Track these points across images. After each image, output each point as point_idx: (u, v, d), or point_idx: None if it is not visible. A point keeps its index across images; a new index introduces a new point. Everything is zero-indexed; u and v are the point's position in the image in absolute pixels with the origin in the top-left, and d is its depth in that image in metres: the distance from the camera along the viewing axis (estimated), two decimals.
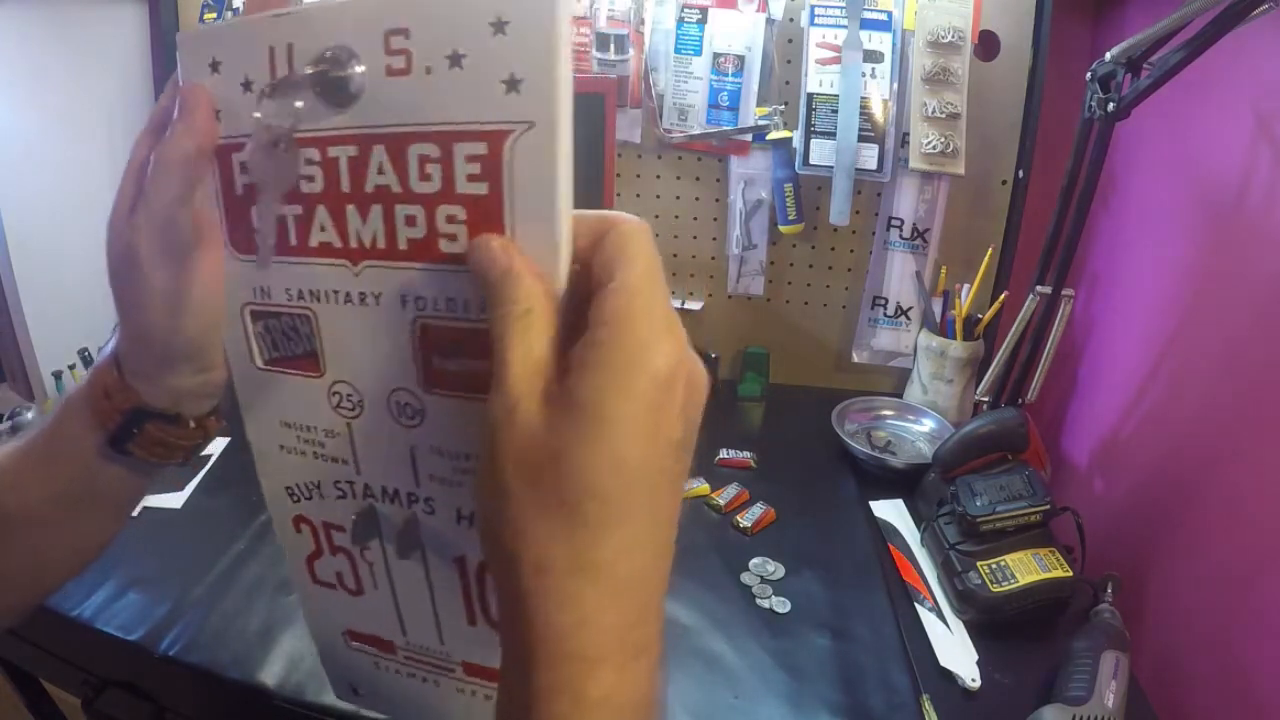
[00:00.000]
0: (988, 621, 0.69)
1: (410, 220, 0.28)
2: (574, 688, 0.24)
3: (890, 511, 0.86)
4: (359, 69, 0.27)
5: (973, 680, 0.63)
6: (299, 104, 0.29)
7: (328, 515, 0.38)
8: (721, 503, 0.86)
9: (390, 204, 0.29)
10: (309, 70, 0.28)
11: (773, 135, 1.02)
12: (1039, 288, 0.84)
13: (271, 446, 0.37)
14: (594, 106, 0.87)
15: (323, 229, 0.31)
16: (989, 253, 1.01)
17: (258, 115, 0.29)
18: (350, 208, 0.30)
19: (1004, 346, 0.89)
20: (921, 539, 0.80)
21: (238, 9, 1.09)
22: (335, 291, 0.32)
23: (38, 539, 0.39)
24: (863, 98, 0.98)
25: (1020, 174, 1.01)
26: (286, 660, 0.63)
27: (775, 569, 0.76)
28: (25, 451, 0.39)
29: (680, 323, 0.25)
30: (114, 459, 0.38)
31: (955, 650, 0.67)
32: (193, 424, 0.39)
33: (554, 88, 0.25)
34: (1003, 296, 1.02)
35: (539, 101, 0.25)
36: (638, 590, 0.25)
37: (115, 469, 0.38)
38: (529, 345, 0.25)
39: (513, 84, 0.25)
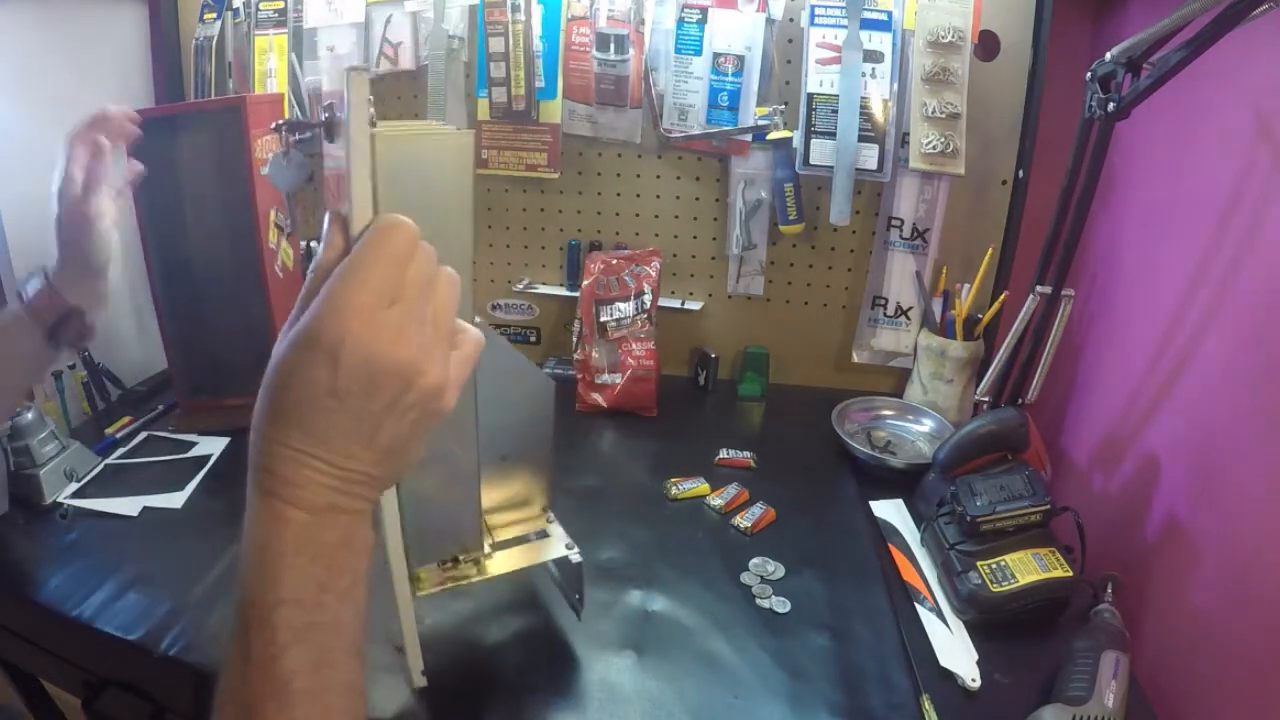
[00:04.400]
0: (988, 621, 0.69)
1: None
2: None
3: (890, 511, 0.86)
4: (338, 116, 0.41)
5: (973, 680, 0.63)
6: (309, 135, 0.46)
7: None
8: (721, 503, 0.86)
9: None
10: (323, 116, 0.43)
11: (773, 135, 1.02)
12: (1039, 288, 0.83)
13: None
14: (230, 121, 0.92)
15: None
16: (989, 253, 1.01)
17: (291, 136, 0.43)
18: (341, 208, 0.41)
19: (1004, 346, 0.89)
20: (921, 539, 0.80)
21: (237, 9, 1.09)
22: None
23: None
24: (863, 98, 0.98)
25: (1020, 174, 1.01)
26: None
27: (775, 569, 0.76)
28: None
29: (381, 307, 0.34)
30: (47, 346, 0.69)
31: (955, 650, 0.67)
32: (88, 321, 0.72)
33: (350, 141, 0.38)
34: (1003, 296, 1.02)
35: (344, 148, 0.38)
36: (304, 463, 0.35)
37: (45, 354, 0.71)
38: (311, 291, 0.36)
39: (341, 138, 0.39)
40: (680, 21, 1.02)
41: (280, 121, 0.42)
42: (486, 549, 0.62)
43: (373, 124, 0.41)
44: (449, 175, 0.45)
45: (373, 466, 0.36)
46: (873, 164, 1.00)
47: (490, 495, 0.63)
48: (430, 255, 0.37)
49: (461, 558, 0.61)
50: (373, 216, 0.37)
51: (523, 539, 0.64)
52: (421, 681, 0.59)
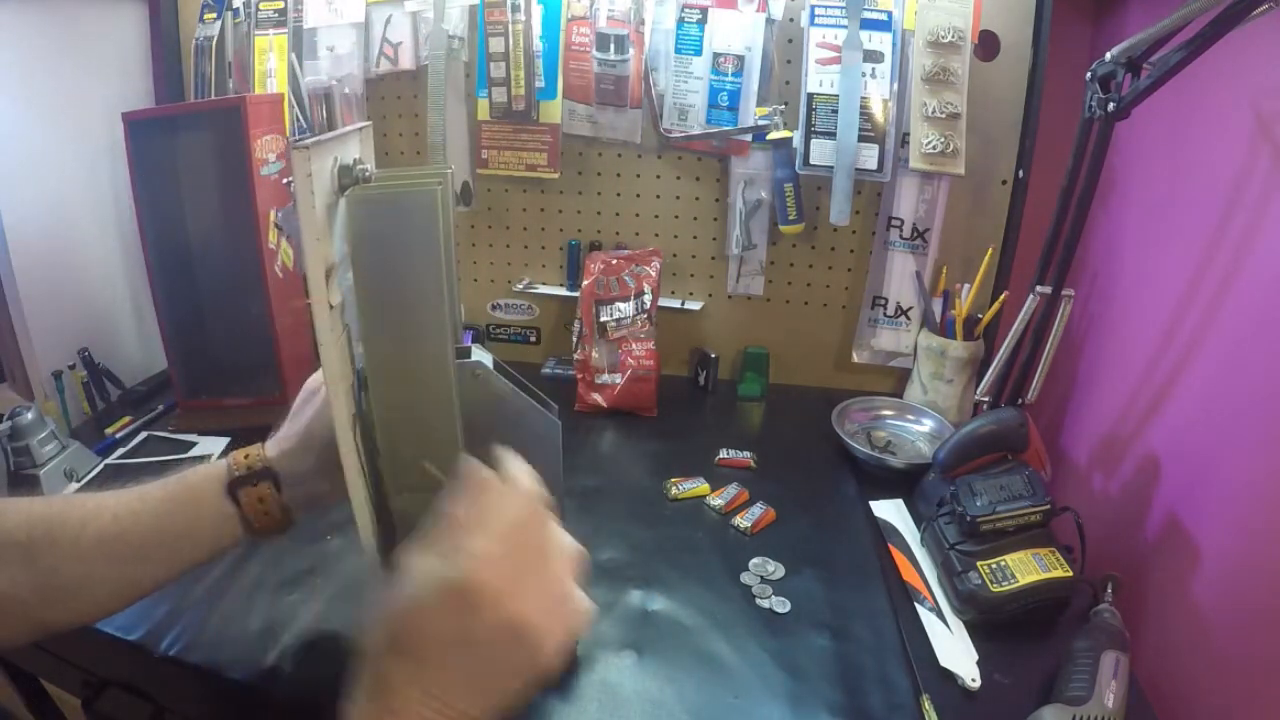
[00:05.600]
0: (988, 621, 0.69)
1: None
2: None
3: (890, 511, 0.86)
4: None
5: (973, 680, 0.63)
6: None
7: None
8: (721, 503, 0.86)
9: None
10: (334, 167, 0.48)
11: (773, 135, 1.02)
12: (1039, 288, 0.83)
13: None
14: (230, 121, 0.92)
15: None
16: (989, 253, 1.01)
17: (288, 181, 0.44)
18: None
19: (1004, 346, 0.89)
20: (921, 539, 0.80)
21: (237, 9, 1.10)
22: None
23: (138, 567, 0.51)
24: (863, 98, 0.98)
25: (1020, 174, 1.01)
26: (286, 660, 0.63)
27: (775, 569, 0.76)
28: (161, 488, 0.53)
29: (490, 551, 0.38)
30: (224, 504, 0.54)
31: (955, 650, 0.67)
32: (283, 509, 0.55)
33: (299, 213, 0.43)
34: (1003, 296, 1.02)
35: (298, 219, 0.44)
36: (417, 699, 0.36)
37: (221, 512, 0.54)
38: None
39: None
40: (680, 21, 1.02)
41: (288, 180, 0.46)
42: None
43: (366, 178, 0.48)
44: (418, 228, 0.47)
45: (480, 712, 0.38)
46: (873, 164, 1.00)
47: None
48: (550, 521, 0.42)
49: None
50: (491, 458, 0.42)
51: None
52: None
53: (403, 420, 0.53)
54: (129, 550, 0.51)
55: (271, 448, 0.57)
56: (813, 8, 0.98)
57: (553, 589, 0.40)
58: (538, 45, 1.05)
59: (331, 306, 0.48)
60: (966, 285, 1.01)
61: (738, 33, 1.01)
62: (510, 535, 0.39)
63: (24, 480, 0.81)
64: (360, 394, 0.54)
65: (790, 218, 1.05)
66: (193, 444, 0.94)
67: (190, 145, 0.95)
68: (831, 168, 1.00)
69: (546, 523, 0.40)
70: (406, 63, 1.09)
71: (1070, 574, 0.69)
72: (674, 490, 0.89)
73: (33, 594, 0.48)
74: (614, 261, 1.08)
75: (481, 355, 0.56)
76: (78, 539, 0.49)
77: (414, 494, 0.56)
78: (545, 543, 0.40)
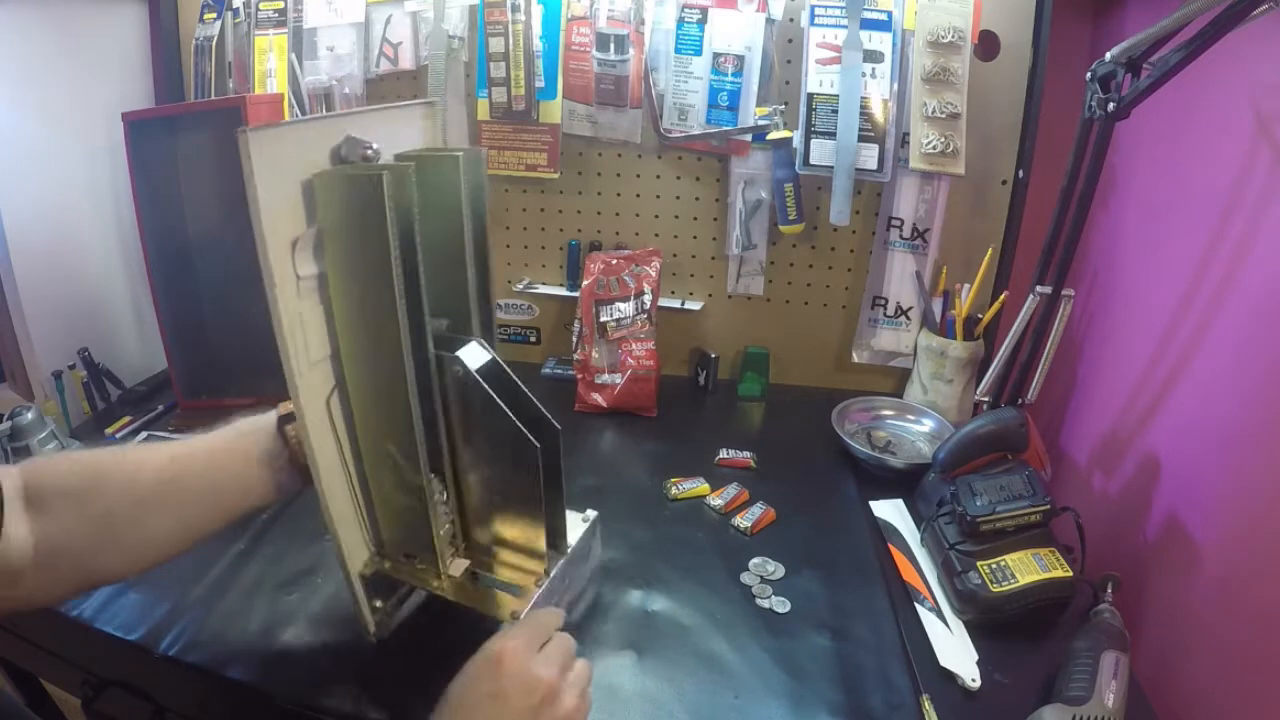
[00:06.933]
0: (988, 621, 0.69)
1: None
2: None
3: (890, 511, 0.86)
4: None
5: (973, 680, 0.63)
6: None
7: None
8: (721, 503, 0.86)
9: None
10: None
11: (773, 135, 1.02)
12: (1039, 288, 0.83)
13: None
14: (230, 121, 0.93)
15: None
16: (989, 253, 1.01)
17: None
18: None
19: (1004, 346, 0.89)
20: (921, 539, 0.80)
21: (237, 9, 1.09)
22: None
23: (196, 509, 0.54)
24: (863, 98, 0.98)
25: (1020, 174, 1.01)
26: (286, 660, 0.63)
27: (775, 569, 0.76)
28: (216, 434, 0.57)
29: (528, 670, 0.49)
30: (274, 441, 0.56)
31: (955, 650, 0.67)
32: None
33: (252, 199, 0.45)
34: (1003, 296, 1.02)
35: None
36: None
37: (270, 449, 0.56)
38: None
39: None
40: (680, 21, 1.02)
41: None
42: (450, 566, 0.61)
43: (361, 157, 0.50)
44: (370, 211, 0.48)
45: None
46: (873, 164, 1.00)
47: (484, 530, 0.63)
48: (568, 639, 0.53)
49: (417, 558, 0.61)
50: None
51: (500, 583, 0.62)
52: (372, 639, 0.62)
53: (368, 399, 0.55)
54: (182, 491, 0.53)
55: None
56: (813, 8, 0.98)
57: (563, 660, 0.50)
58: (538, 45, 1.05)
59: (300, 278, 0.50)
60: (966, 285, 1.01)
61: (738, 33, 1.01)
62: (527, 629, 0.51)
63: None
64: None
65: (790, 218, 1.05)
66: None
67: (190, 145, 0.95)
68: (831, 168, 1.00)
69: (559, 635, 0.52)
70: (406, 63, 1.09)
71: (1070, 574, 0.69)
72: (674, 490, 0.89)
73: (85, 541, 0.49)
74: (614, 261, 1.08)
75: (474, 353, 0.55)
76: (134, 478, 0.51)
77: (382, 471, 0.57)
78: (558, 644, 0.51)
